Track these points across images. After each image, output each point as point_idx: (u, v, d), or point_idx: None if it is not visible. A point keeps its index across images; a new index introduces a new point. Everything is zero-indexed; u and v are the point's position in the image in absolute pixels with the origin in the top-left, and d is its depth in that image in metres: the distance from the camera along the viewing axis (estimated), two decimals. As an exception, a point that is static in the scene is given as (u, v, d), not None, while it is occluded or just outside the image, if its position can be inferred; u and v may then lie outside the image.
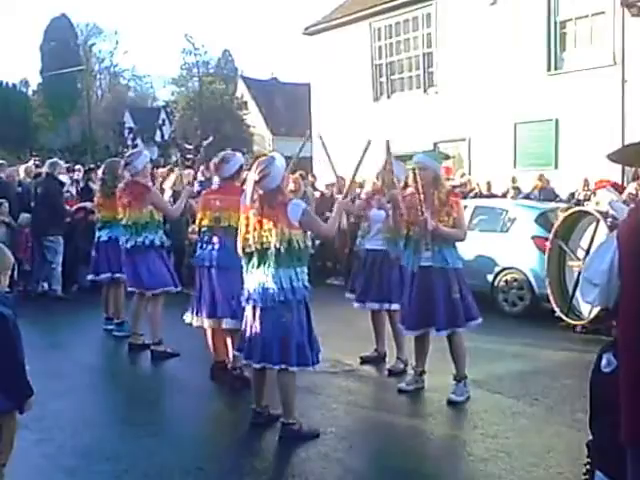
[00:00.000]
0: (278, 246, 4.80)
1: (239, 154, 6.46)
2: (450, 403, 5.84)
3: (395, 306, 6.64)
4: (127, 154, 7.63)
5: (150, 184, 7.43)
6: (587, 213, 8.51)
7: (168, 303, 7.42)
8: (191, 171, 11.16)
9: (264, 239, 4.86)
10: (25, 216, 11.15)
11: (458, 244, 6.00)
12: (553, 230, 8.72)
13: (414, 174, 5.78)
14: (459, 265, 5.92)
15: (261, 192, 4.86)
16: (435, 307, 5.81)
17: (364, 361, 7.06)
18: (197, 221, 6.39)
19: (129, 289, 7.64)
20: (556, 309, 8.58)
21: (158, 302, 7.27)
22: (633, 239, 2.74)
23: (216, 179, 6.93)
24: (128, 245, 7.27)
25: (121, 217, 7.32)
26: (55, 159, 11.98)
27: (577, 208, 9.27)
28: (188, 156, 23.75)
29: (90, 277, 8.65)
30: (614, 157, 2.99)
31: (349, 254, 11.52)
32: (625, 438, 2.76)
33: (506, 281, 9.84)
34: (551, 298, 8.64)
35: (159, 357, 7.15)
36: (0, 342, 3.63)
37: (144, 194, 7.15)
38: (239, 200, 5.73)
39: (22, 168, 13.33)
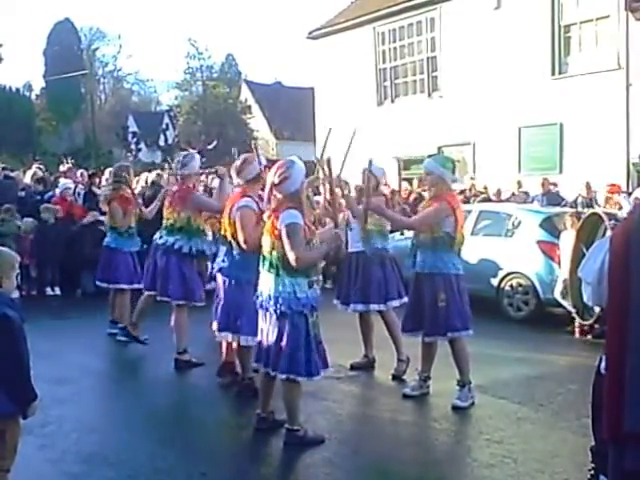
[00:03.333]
0: (269, 254, 4.78)
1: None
2: (455, 408, 5.82)
3: (374, 307, 6.69)
4: (183, 155, 7.44)
5: (193, 187, 7.21)
6: (601, 217, 8.47)
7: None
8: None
9: (264, 244, 4.86)
10: (28, 221, 11.16)
11: (462, 249, 6.00)
12: (575, 233, 8.66)
13: (419, 179, 5.87)
14: (453, 272, 5.84)
15: (279, 196, 4.80)
16: (423, 313, 5.89)
17: (354, 367, 7.02)
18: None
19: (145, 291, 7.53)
20: (572, 310, 8.56)
21: (181, 311, 7.05)
22: (623, 241, 2.80)
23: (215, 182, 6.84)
24: (159, 242, 7.12)
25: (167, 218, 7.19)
26: None
27: (592, 211, 9.24)
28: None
29: (99, 283, 8.66)
30: None
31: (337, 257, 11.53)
32: (605, 434, 2.83)
33: (511, 286, 9.82)
34: (569, 298, 8.58)
35: (183, 367, 6.98)
36: (5, 344, 3.62)
37: (186, 198, 6.98)
38: (230, 208, 5.73)
39: (28, 174, 13.39)
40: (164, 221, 7.18)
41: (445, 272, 5.82)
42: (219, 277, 6.01)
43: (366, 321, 7.02)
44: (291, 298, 4.74)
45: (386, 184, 6.97)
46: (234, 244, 5.76)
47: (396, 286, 6.74)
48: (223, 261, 5.91)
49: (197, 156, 7.44)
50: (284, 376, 4.81)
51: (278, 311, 4.76)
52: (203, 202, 7.13)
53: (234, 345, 6.04)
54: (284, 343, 4.77)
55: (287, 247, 4.63)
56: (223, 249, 5.98)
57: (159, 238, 7.17)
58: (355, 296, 6.76)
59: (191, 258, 7.07)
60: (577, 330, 8.68)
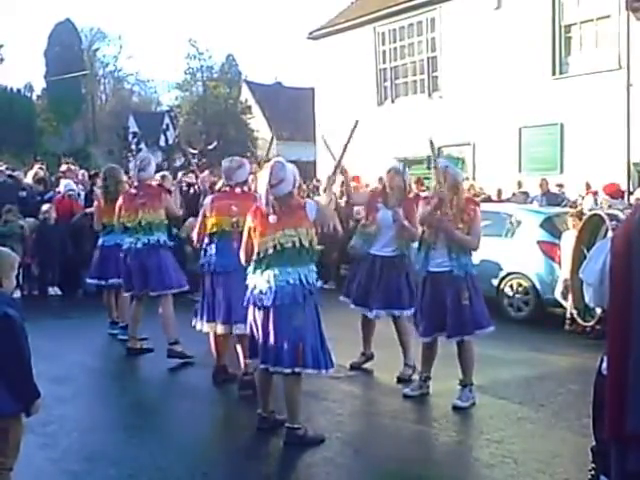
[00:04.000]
0: (305, 246, 4.88)
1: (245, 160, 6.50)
2: (455, 409, 5.82)
3: (404, 312, 6.65)
4: (140, 159, 7.64)
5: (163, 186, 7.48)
6: (602, 217, 8.46)
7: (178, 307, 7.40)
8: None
9: (283, 240, 4.86)
10: (30, 221, 11.16)
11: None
12: (577, 234, 8.65)
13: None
14: (471, 271, 5.91)
15: (272, 197, 4.89)
16: (445, 313, 5.82)
17: (353, 367, 7.01)
18: (212, 225, 6.27)
19: (127, 292, 7.63)
20: (573, 310, 8.55)
21: (169, 303, 7.23)
22: (624, 241, 2.81)
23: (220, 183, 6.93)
24: (139, 245, 7.23)
25: (130, 219, 7.30)
26: None
27: (593, 212, 9.24)
28: (192, 160, 23.77)
29: (90, 281, 8.70)
30: None
31: (339, 259, 11.52)
32: (607, 435, 2.83)
33: (511, 286, 9.82)
34: (569, 299, 8.58)
35: (176, 357, 7.10)
36: (7, 343, 3.63)
37: (161, 195, 7.37)
38: (251, 206, 5.77)
39: (30, 174, 13.38)
40: (136, 222, 7.27)
41: (470, 272, 5.88)
42: (230, 275, 6.03)
43: (369, 321, 7.00)
44: (306, 286, 4.86)
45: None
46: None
47: (412, 294, 6.69)
48: (224, 257, 5.94)
49: (153, 161, 7.78)
50: (309, 371, 4.88)
51: (288, 300, 4.79)
52: (170, 205, 7.52)
53: (236, 339, 6.05)
54: (303, 337, 4.80)
55: (330, 218, 5.19)
56: (230, 247, 6.01)
57: (135, 242, 7.25)
58: (378, 302, 6.67)
59: (169, 250, 7.38)
60: (567, 323, 8.73)
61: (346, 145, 5.67)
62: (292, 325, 4.81)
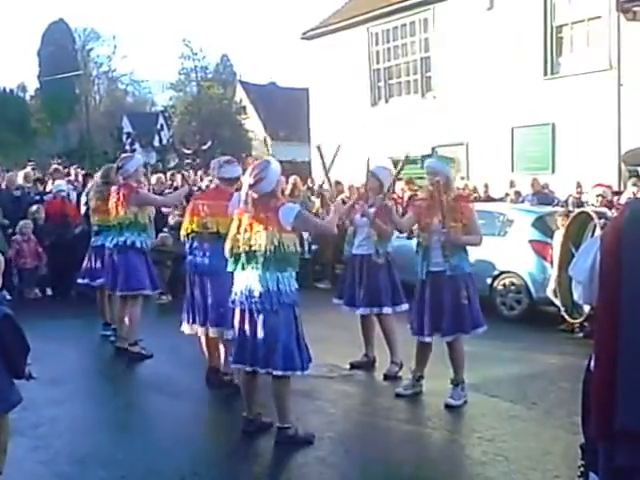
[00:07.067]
0: (267, 249, 4.80)
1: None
2: (447, 407, 5.84)
3: (386, 310, 6.70)
4: (120, 158, 7.72)
5: (136, 185, 7.34)
6: (590, 215, 8.48)
7: (166, 309, 7.41)
8: None
9: (252, 242, 4.87)
10: (28, 222, 11.10)
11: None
12: (564, 232, 8.67)
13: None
14: (469, 270, 5.93)
15: (255, 196, 4.87)
16: (443, 312, 5.84)
17: (354, 366, 7.04)
18: (185, 226, 6.33)
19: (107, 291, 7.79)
20: (561, 308, 8.58)
21: (137, 303, 7.31)
22: (613, 239, 2.82)
23: (204, 183, 6.97)
24: (111, 244, 7.40)
25: (111, 219, 7.45)
26: None
27: (581, 209, 9.26)
28: (187, 161, 23.75)
29: (81, 281, 8.66)
30: (628, 159, 3.10)
31: (334, 258, 11.51)
32: (595, 432, 2.85)
33: (504, 285, 9.85)
34: (558, 297, 8.60)
35: (133, 358, 7.23)
36: (14, 341, 3.76)
37: (129, 195, 7.20)
38: (226, 205, 5.77)
39: (20, 174, 13.34)
40: (112, 222, 7.39)
41: (467, 272, 5.90)
42: (204, 276, 6.06)
43: (368, 321, 7.03)
44: (287, 292, 4.83)
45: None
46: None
47: (400, 290, 6.78)
48: (196, 258, 5.99)
49: (137, 156, 7.87)
50: (280, 373, 4.84)
51: (274, 307, 4.79)
52: (147, 198, 7.47)
53: (219, 342, 6.08)
54: (277, 339, 4.80)
55: (313, 227, 5.53)
56: (203, 247, 6.04)
57: (110, 241, 7.42)
58: (364, 299, 6.74)
59: (143, 252, 7.34)
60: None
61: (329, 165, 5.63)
62: (265, 326, 4.82)
